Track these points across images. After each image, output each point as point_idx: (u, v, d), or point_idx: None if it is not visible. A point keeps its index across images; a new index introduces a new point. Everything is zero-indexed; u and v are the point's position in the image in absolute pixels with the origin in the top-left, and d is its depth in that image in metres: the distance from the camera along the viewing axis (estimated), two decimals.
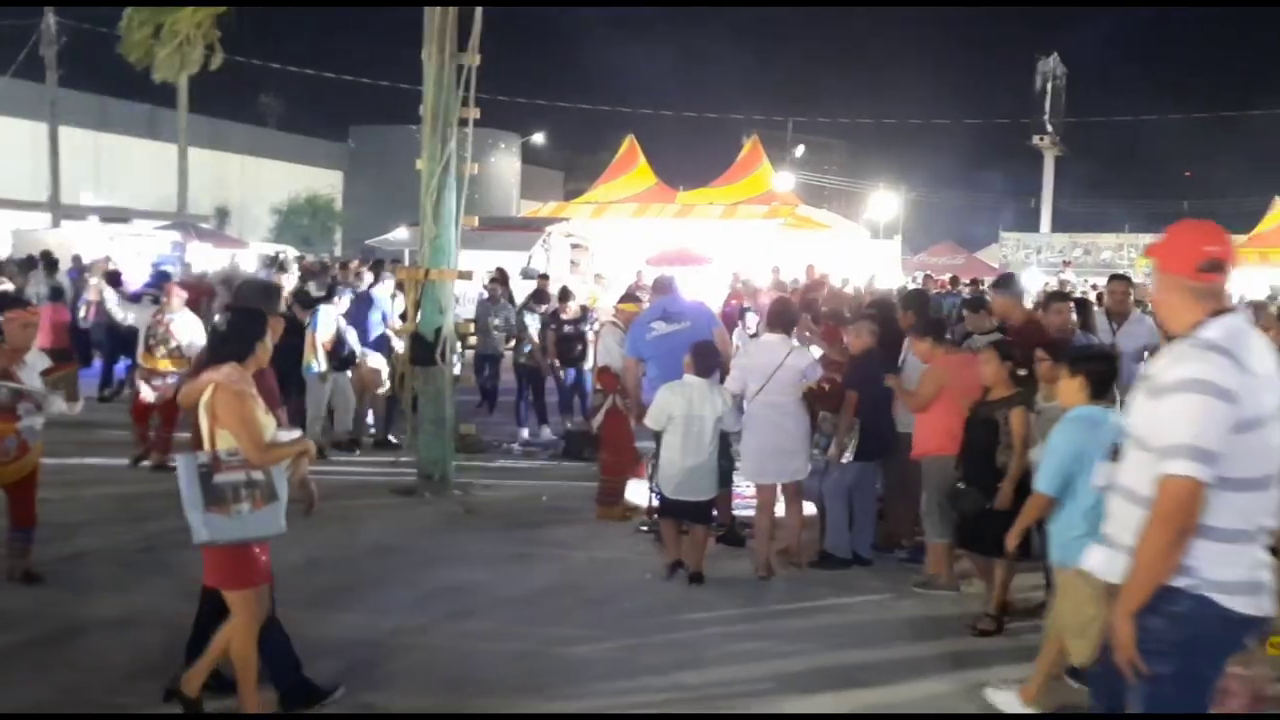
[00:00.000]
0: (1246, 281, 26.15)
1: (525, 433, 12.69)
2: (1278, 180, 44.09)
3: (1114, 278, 9.69)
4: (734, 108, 64.35)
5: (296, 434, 5.28)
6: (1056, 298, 8.50)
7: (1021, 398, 6.72)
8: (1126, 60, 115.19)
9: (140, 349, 10.59)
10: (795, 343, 8.14)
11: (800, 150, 57.02)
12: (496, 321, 13.84)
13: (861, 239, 28.04)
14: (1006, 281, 7.92)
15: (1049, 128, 53.41)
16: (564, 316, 13.15)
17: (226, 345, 5.12)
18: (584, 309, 13.72)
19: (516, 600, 7.00)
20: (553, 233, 22.32)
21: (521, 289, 16.21)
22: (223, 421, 4.84)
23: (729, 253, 22.20)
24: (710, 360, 7.52)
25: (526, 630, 6.45)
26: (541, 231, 22.28)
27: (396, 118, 40.94)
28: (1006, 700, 5.54)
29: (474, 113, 9.78)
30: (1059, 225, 53.08)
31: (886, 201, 55.68)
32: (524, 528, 8.78)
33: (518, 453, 12.15)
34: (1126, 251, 43.00)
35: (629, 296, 10.59)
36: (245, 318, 5.29)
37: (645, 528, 8.59)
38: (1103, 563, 3.57)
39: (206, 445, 4.88)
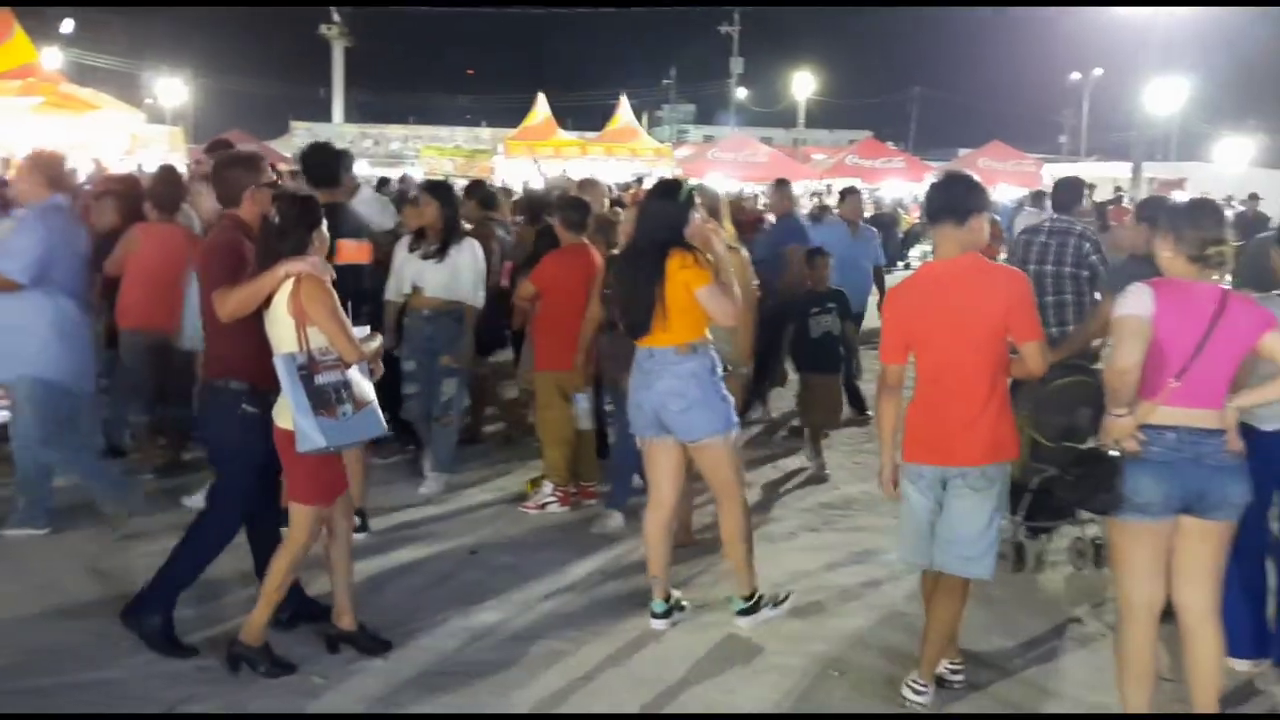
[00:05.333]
0: (512, 172, 28.45)
1: None
2: (543, 77, 48.92)
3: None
4: None
5: (366, 330, 4.87)
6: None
7: None
8: None
9: None
10: None
11: (69, 25, 51.89)
12: None
13: (138, 123, 26.50)
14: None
15: (335, 16, 53.88)
16: None
17: (283, 238, 4.54)
18: None
19: None
20: None
21: None
22: (312, 317, 4.44)
23: None
24: None
25: None
26: None
27: None
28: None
29: None
30: (352, 116, 54.04)
31: (174, 87, 52.96)
32: None
33: None
34: (411, 143, 45.08)
35: None
36: (299, 204, 4.70)
37: None
38: None
39: (296, 345, 4.44)
